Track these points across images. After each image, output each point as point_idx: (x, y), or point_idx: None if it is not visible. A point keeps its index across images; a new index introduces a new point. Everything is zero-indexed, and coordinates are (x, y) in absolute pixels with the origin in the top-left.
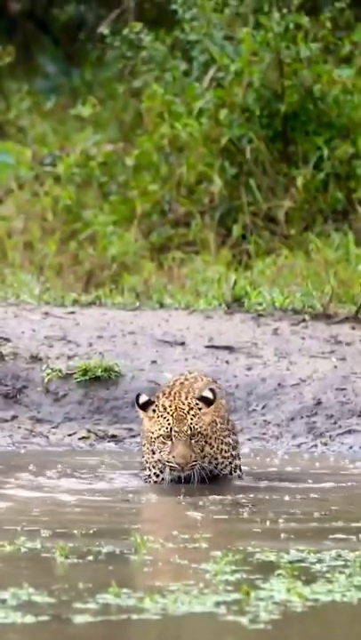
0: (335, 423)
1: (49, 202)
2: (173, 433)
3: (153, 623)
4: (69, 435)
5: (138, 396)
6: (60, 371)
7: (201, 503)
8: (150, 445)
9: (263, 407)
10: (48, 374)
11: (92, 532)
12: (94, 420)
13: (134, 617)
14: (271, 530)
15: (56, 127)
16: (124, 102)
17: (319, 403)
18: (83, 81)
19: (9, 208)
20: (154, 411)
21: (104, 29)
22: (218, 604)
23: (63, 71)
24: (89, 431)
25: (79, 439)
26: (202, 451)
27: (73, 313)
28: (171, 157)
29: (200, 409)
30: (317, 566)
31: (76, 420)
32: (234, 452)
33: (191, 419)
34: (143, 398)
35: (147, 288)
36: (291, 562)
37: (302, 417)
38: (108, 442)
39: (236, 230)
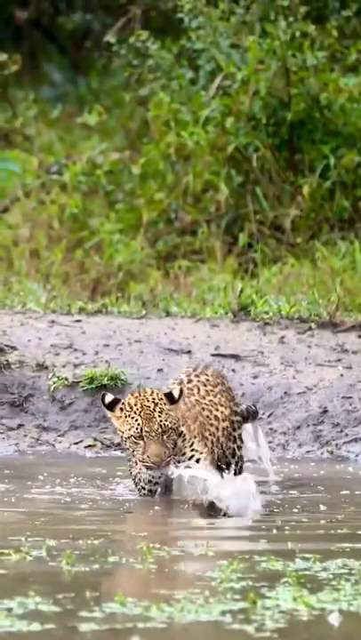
0: (341, 431)
1: (55, 210)
2: (144, 433)
3: (159, 632)
4: (75, 443)
5: (104, 396)
6: (66, 379)
7: (207, 511)
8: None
9: (269, 415)
10: (54, 382)
11: (97, 540)
12: (100, 428)
13: (140, 625)
14: (277, 538)
15: (62, 135)
16: (130, 111)
17: (325, 411)
18: (89, 89)
19: (15, 216)
20: (121, 410)
21: (110, 38)
22: (224, 612)
23: (69, 79)
24: (95, 439)
25: (85, 447)
26: (175, 446)
27: (79, 321)
28: (177, 166)
29: (165, 404)
30: (323, 575)
31: (82, 428)
32: (239, 453)
33: (159, 415)
34: (109, 397)
35: (153, 296)
36: (297, 570)
37: (309, 425)
38: (114, 450)
39: (243, 239)
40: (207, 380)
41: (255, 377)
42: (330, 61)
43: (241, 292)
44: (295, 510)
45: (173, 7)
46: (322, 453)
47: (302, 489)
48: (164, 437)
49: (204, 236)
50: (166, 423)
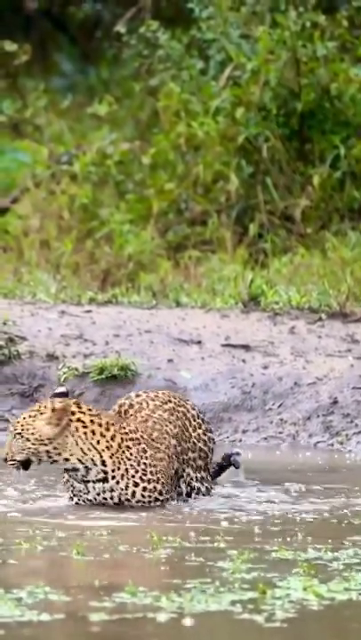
0: (352, 422)
1: (65, 200)
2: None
3: (169, 621)
4: None
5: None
6: (76, 369)
7: (217, 500)
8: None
9: (280, 406)
10: (64, 373)
11: (108, 529)
12: None
13: (150, 615)
14: (287, 528)
15: (72, 125)
16: (140, 101)
17: (335, 401)
18: (99, 79)
19: (25, 206)
20: None
21: (121, 28)
22: (234, 602)
23: (80, 69)
24: None
25: None
26: (36, 454)
27: (89, 311)
28: (187, 156)
29: (35, 415)
30: (334, 564)
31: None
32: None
33: (23, 419)
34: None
35: (163, 287)
36: (307, 560)
37: (319, 416)
38: None
39: (253, 229)
40: (156, 396)
41: (265, 367)
42: (340, 51)
43: (251, 282)
44: (306, 500)
45: None
46: (332, 444)
47: (313, 479)
48: (13, 440)
49: (215, 227)
50: (18, 427)
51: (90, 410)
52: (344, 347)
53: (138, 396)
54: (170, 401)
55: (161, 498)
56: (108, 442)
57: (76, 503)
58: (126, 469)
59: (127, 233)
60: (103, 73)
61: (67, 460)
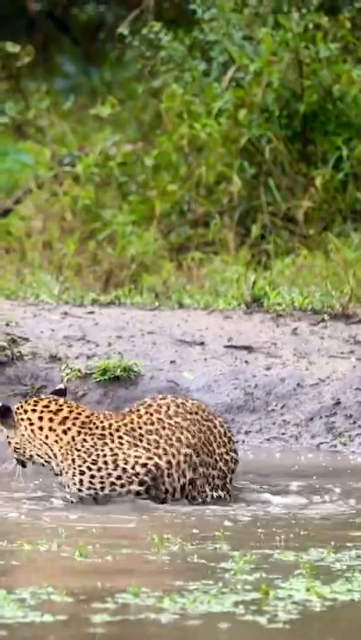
0: (354, 423)
1: (68, 202)
2: None
3: (172, 623)
4: None
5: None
6: (79, 370)
7: (219, 502)
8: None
9: (282, 407)
10: (67, 374)
11: (110, 531)
12: None
13: (153, 616)
14: (290, 529)
15: (75, 127)
16: (143, 102)
17: (338, 403)
18: (102, 81)
19: (28, 208)
20: None
21: (123, 29)
22: (237, 603)
23: (82, 71)
24: None
25: None
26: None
27: (92, 313)
28: (190, 157)
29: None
30: (337, 566)
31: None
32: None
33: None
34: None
35: (166, 288)
36: (310, 561)
37: (321, 417)
38: None
39: (255, 230)
40: (183, 403)
41: (268, 368)
42: (343, 53)
43: (254, 283)
44: (308, 501)
45: None
46: (335, 445)
47: (315, 480)
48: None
49: (217, 228)
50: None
51: (47, 406)
52: (347, 348)
53: (163, 398)
54: (197, 413)
55: (116, 483)
56: (57, 435)
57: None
58: (73, 459)
59: (130, 234)
60: (106, 74)
61: (31, 457)
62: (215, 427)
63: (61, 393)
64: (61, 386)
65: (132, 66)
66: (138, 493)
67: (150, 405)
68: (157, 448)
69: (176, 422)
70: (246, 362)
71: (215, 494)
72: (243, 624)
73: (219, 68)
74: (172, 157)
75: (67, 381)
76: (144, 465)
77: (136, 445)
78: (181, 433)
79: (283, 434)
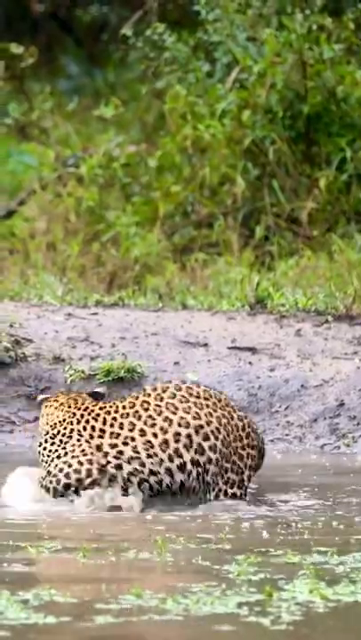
0: (358, 424)
1: (72, 203)
2: None
3: (175, 624)
4: None
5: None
6: (82, 372)
7: (222, 504)
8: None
9: (286, 408)
10: (71, 375)
11: (114, 532)
12: None
13: (156, 618)
14: (293, 530)
15: (79, 128)
16: (146, 103)
17: (342, 404)
18: (105, 82)
19: (32, 209)
20: None
21: (127, 30)
22: (240, 604)
23: (86, 72)
24: None
25: None
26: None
27: (96, 314)
28: (193, 158)
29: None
30: (340, 567)
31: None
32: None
33: None
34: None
35: (169, 289)
36: (313, 563)
37: (325, 418)
38: None
39: (259, 231)
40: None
41: (272, 370)
42: (346, 54)
43: (258, 284)
44: (312, 502)
45: (190, 0)
46: (338, 446)
47: (319, 482)
48: None
49: (221, 229)
50: None
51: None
52: (350, 349)
53: (168, 382)
54: (208, 398)
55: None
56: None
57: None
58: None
59: (133, 235)
60: (109, 75)
61: None
62: (233, 419)
63: (99, 396)
64: (101, 389)
65: (135, 67)
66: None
67: (148, 390)
68: (132, 430)
69: (168, 403)
70: (250, 363)
71: (230, 491)
72: (246, 625)
73: (222, 69)
74: (176, 158)
75: (70, 382)
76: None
77: (102, 432)
78: (174, 413)
79: (287, 435)
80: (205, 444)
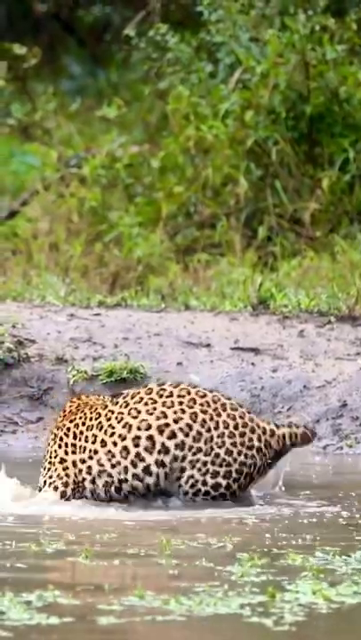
0: (360, 425)
1: (74, 203)
2: None
3: (178, 625)
4: None
5: None
6: (85, 372)
7: (226, 505)
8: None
9: (289, 409)
10: (74, 376)
11: (116, 533)
12: None
13: (159, 618)
14: (296, 531)
15: (81, 128)
16: (149, 104)
17: (345, 405)
18: (108, 82)
19: (35, 209)
20: None
21: (130, 31)
22: (243, 605)
23: (89, 72)
24: None
25: None
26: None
27: (98, 315)
28: (196, 159)
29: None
30: (343, 568)
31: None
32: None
33: None
34: None
35: (172, 290)
36: (316, 564)
37: (328, 419)
38: None
39: (262, 232)
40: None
41: (274, 370)
42: (349, 55)
43: (260, 285)
44: (315, 503)
45: (193, 0)
46: (341, 447)
47: (322, 482)
48: None
49: (224, 230)
50: None
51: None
52: (353, 350)
53: (143, 387)
54: (184, 396)
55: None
56: None
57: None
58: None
59: (136, 236)
60: (112, 76)
61: None
62: (220, 415)
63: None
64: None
65: (138, 67)
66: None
67: (122, 395)
68: (94, 443)
69: (131, 409)
70: (253, 364)
71: (211, 481)
72: (249, 626)
73: (225, 69)
74: (179, 159)
75: (73, 383)
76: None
77: (74, 447)
78: (135, 417)
79: None
80: (170, 443)
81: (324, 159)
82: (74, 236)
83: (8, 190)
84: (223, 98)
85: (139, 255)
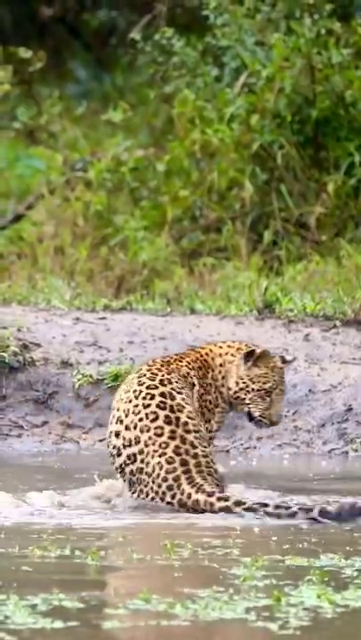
0: None
1: (80, 207)
2: (277, 391)
3: (183, 629)
4: (100, 440)
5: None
6: (90, 376)
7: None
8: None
9: (294, 413)
10: (79, 380)
11: (122, 536)
12: None
13: (164, 623)
14: (301, 535)
15: (87, 132)
16: (155, 108)
17: (350, 409)
18: (114, 86)
19: (40, 213)
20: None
21: (135, 35)
22: (248, 609)
23: (94, 76)
24: None
25: None
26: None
27: (104, 318)
28: (202, 163)
29: None
30: (348, 572)
31: (107, 425)
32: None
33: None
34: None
35: (178, 294)
36: (321, 567)
37: (333, 423)
38: None
39: (268, 236)
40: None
41: None
42: (355, 59)
43: (266, 289)
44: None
45: (199, 4)
46: (346, 451)
47: (326, 486)
48: None
49: (229, 234)
50: None
51: None
52: (359, 354)
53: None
54: (143, 383)
55: None
56: None
57: None
58: None
59: (142, 240)
60: (118, 80)
61: None
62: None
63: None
64: (288, 357)
65: (144, 71)
66: None
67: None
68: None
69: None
70: None
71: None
72: (254, 630)
73: (231, 73)
74: (184, 163)
75: (78, 387)
76: None
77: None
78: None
79: (294, 440)
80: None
81: (329, 163)
82: (79, 239)
83: (13, 194)
84: (229, 102)
85: (144, 259)
